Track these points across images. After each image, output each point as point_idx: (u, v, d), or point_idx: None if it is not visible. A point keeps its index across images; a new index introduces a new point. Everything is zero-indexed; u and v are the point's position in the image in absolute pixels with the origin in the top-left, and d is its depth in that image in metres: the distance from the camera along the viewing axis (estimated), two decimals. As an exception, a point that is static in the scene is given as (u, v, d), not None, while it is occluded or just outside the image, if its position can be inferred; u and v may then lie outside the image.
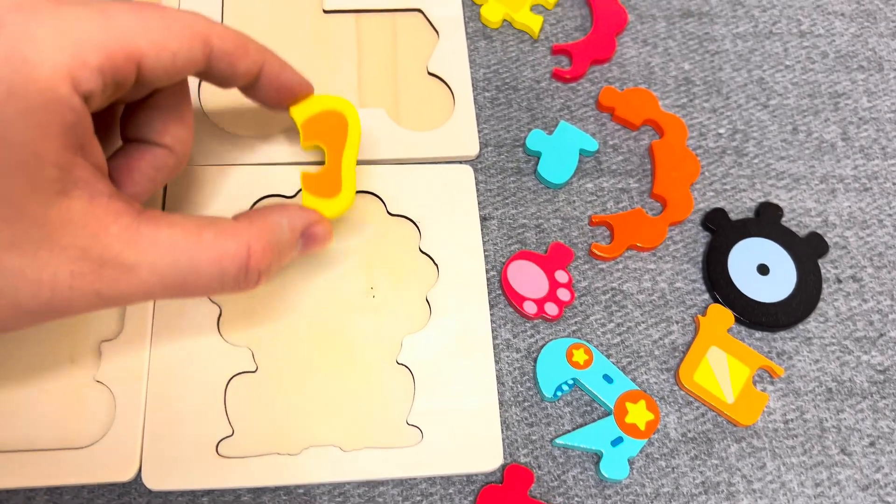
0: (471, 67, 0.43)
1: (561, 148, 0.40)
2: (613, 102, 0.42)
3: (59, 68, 0.21)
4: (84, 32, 0.22)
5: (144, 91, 0.26)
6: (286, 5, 0.43)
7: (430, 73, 0.42)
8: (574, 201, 0.40)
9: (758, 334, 0.37)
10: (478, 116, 0.41)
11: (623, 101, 0.42)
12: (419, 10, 0.44)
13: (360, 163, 0.39)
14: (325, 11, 0.43)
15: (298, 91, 0.31)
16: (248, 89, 0.29)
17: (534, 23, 0.44)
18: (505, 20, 0.44)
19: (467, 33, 0.43)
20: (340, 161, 0.33)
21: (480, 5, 0.44)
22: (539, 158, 0.40)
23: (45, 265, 0.21)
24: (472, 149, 0.40)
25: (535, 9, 0.45)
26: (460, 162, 0.40)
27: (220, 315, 0.35)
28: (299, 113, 0.33)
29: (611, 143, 0.42)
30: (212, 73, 0.27)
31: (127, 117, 0.28)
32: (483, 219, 0.39)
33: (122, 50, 0.23)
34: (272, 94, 0.30)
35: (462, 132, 0.40)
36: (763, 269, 0.38)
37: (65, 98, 0.21)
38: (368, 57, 0.42)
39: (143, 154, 0.27)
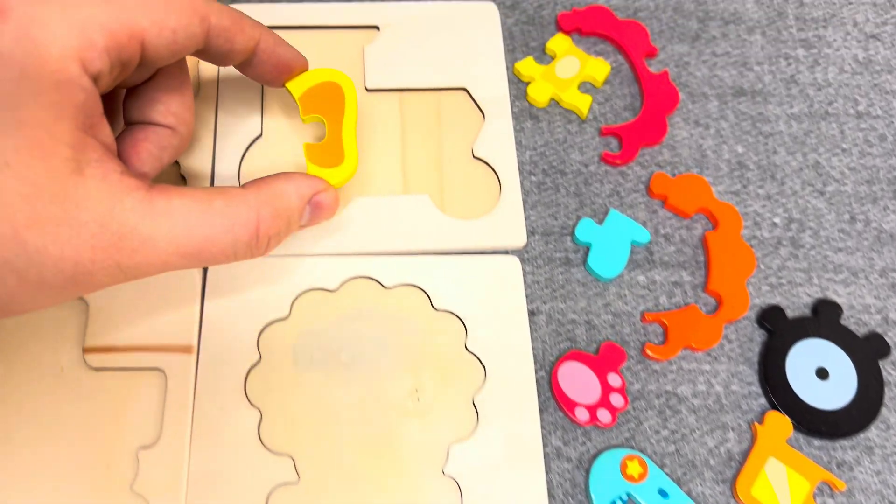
0: (517, 149, 0.41)
1: (612, 239, 0.39)
2: (665, 190, 0.40)
3: (69, 50, 0.22)
4: (89, 14, 0.23)
5: (147, 72, 0.28)
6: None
7: (475, 157, 0.41)
8: (625, 295, 0.38)
9: (816, 442, 0.36)
10: (524, 202, 0.40)
11: (675, 188, 0.40)
12: (464, 90, 0.42)
13: (403, 253, 0.38)
14: (368, 90, 0.42)
15: (294, 66, 0.32)
16: (245, 66, 0.30)
17: (582, 103, 0.42)
18: (552, 99, 0.43)
19: (513, 113, 0.42)
20: (341, 131, 0.34)
21: (527, 84, 0.43)
22: (589, 249, 0.39)
23: (66, 241, 0.22)
24: (520, 239, 0.39)
25: (583, 86, 0.43)
26: (507, 252, 0.39)
27: (260, 420, 0.34)
28: (296, 87, 0.34)
29: (662, 231, 0.40)
30: (210, 50, 0.28)
31: (129, 100, 0.29)
32: (531, 313, 0.37)
33: (126, 29, 0.24)
34: (269, 70, 0.31)
35: (509, 221, 0.39)
36: (822, 373, 0.37)
37: (75, 79, 0.22)
38: (412, 137, 0.41)
39: (147, 135, 0.28)
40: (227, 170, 0.39)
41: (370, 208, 0.39)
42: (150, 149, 0.28)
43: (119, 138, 0.28)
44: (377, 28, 0.43)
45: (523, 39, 0.44)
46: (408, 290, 0.38)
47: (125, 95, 0.30)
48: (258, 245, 0.27)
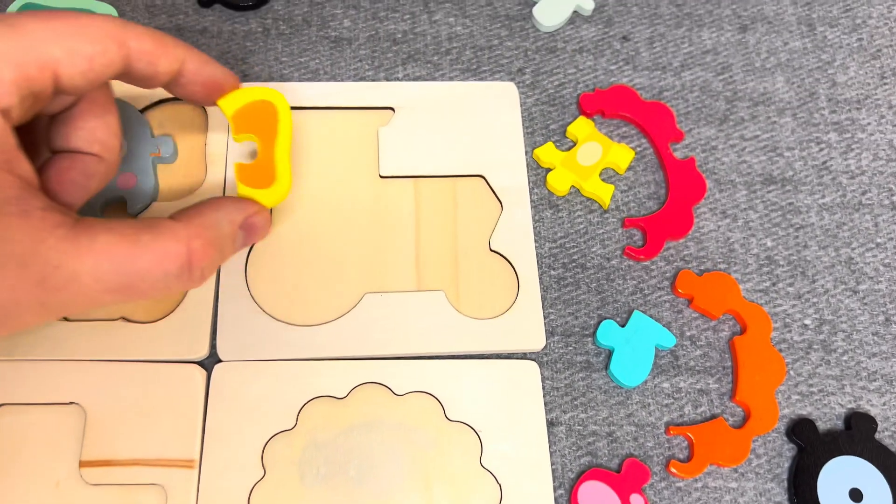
0: (536, 241, 0.39)
1: (635, 343, 0.37)
2: (691, 290, 0.38)
3: None
4: None
5: (67, 100, 0.27)
6: (342, 169, 0.41)
7: (492, 250, 0.39)
8: (649, 404, 0.36)
9: (850, 569, 0.34)
10: (543, 298, 0.38)
11: (702, 288, 0.38)
12: (481, 177, 0.40)
13: (415, 357, 0.37)
14: (382, 177, 0.40)
15: (224, 84, 0.32)
16: (173, 86, 0.30)
17: (604, 192, 0.40)
18: (573, 187, 0.41)
19: (532, 201, 0.40)
20: (273, 150, 0.34)
21: (548, 170, 0.41)
22: (611, 354, 0.37)
23: None
24: (538, 342, 0.37)
25: (605, 172, 0.41)
26: (524, 355, 0.37)
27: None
28: (228, 105, 0.33)
29: (688, 333, 0.38)
30: (132, 75, 0.27)
31: (53, 127, 0.28)
32: (550, 424, 0.36)
33: (35, 61, 0.23)
34: (198, 90, 0.30)
35: (527, 322, 0.37)
36: (856, 495, 0.35)
37: None
38: (427, 227, 0.39)
39: (72, 163, 0.28)
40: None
41: (382, 306, 0.37)
42: (75, 178, 0.28)
43: (43, 167, 0.27)
44: (392, 109, 0.41)
45: (543, 121, 0.42)
46: (420, 398, 0.36)
47: (49, 122, 0.29)
48: (191, 276, 0.27)
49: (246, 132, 0.34)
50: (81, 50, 0.25)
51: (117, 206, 0.38)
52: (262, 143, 0.34)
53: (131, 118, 0.40)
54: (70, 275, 0.23)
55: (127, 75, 0.28)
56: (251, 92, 0.34)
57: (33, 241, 0.23)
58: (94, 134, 0.28)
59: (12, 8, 0.42)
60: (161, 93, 0.40)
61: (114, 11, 0.42)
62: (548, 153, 0.41)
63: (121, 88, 0.39)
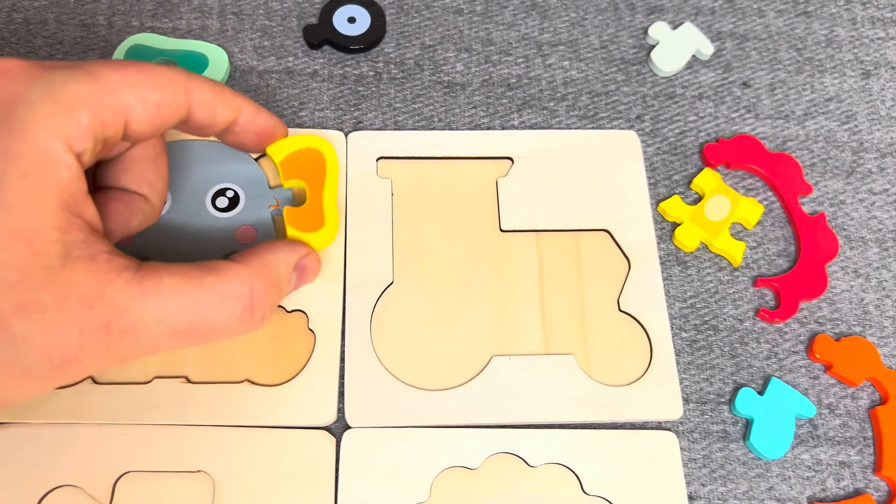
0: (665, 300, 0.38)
1: (775, 413, 0.35)
2: (829, 356, 0.37)
3: (54, 130, 0.22)
4: (74, 93, 0.23)
5: (126, 145, 0.28)
6: (462, 222, 0.39)
7: (621, 311, 0.37)
8: (790, 477, 0.35)
9: None
10: (676, 363, 0.36)
11: (840, 354, 0.37)
12: (606, 231, 0.39)
13: (548, 426, 0.36)
14: (503, 231, 0.39)
15: (275, 133, 0.32)
16: (226, 135, 0.30)
17: (736, 250, 0.39)
18: (701, 242, 0.39)
19: (658, 257, 0.38)
20: (322, 195, 0.35)
21: (673, 225, 0.39)
22: (748, 423, 0.35)
23: (53, 328, 0.22)
24: (676, 411, 0.35)
25: (732, 227, 0.40)
26: (659, 424, 0.35)
27: None
28: (277, 152, 0.35)
29: (826, 401, 0.37)
30: (192, 122, 0.28)
31: (103, 165, 0.28)
32: (689, 498, 0.34)
33: (110, 107, 0.24)
34: (250, 138, 0.31)
35: (663, 389, 0.36)
36: None
37: (60, 158, 0.22)
38: (551, 284, 0.38)
39: (119, 198, 0.28)
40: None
41: (510, 370, 0.36)
42: (120, 209, 0.28)
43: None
44: (510, 159, 0.40)
45: (665, 171, 0.41)
46: (555, 470, 0.34)
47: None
48: (253, 318, 0.27)
49: (294, 178, 0.35)
50: (151, 98, 0.25)
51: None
52: (311, 189, 0.35)
53: (247, 168, 0.38)
54: (136, 317, 0.23)
55: (186, 123, 0.28)
56: (299, 140, 0.36)
57: (100, 284, 0.23)
58: (143, 176, 0.29)
59: (120, 48, 0.41)
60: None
61: (224, 55, 0.41)
62: (675, 207, 0.40)
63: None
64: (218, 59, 0.41)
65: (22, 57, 0.40)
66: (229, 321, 0.26)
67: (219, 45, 0.42)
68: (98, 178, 0.29)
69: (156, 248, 0.36)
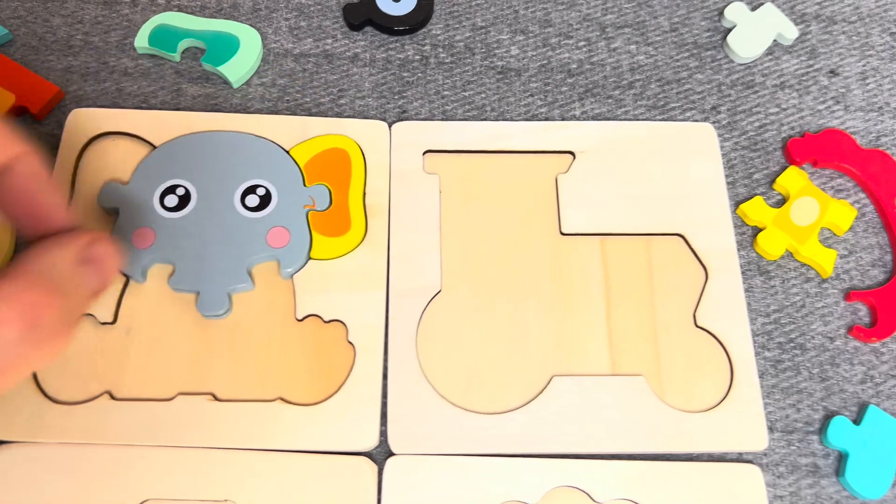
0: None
1: (873, 445, 0.31)
2: (937, 381, 0.32)
3: None
4: None
5: None
6: (518, 224, 0.35)
7: (698, 326, 0.33)
8: (890, 520, 0.30)
9: None
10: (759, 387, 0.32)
11: (949, 379, 0.32)
12: (680, 236, 0.34)
13: (615, 456, 0.32)
14: (563, 234, 0.34)
15: (50, 218, 0.25)
16: None
17: (826, 259, 0.34)
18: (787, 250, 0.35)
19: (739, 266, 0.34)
20: (347, 197, 0.34)
21: (756, 229, 0.35)
22: (842, 457, 0.31)
23: None
24: (760, 441, 0.31)
25: (821, 233, 0.35)
26: (740, 455, 0.31)
27: None
28: (301, 154, 0.34)
29: (931, 433, 0.32)
30: None
31: None
32: (775, 541, 0.30)
33: None
34: (14, 203, 0.25)
35: (745, 416, 0.32)
36: None
37: None
38: (619, 295, 0.33)
39: None
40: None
41: (573, 393, 0.32)
42: None
43: None
44: (572, 154, 0.36)
45: (745, 169, 0.36)
46: (622, 506, 0.30)
47: None
48: (42, 340, 0.22)
49: (319, 180, 0.34)
50: None
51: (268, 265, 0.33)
52: (336, 191, 0.34)
53: (281, 163, 0.34)
54: None
55: None
56: (323, 140, 0.35)
57: None
58: None
59: (144, 28, 0.38)
60: (310, 131, 0.36)
61: (257, 36, 0.37)
62: (756, 209, 0.35)
63: (265, 129, 0.34)
64: (250, 41, 0.37)
65: (39, 37, 0.37)
66: (13, 351, 0.21)
67: (251, 25, 0.38)
68: None
69: (178, 253, 0.33)
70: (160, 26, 0.38)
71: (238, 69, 0.37)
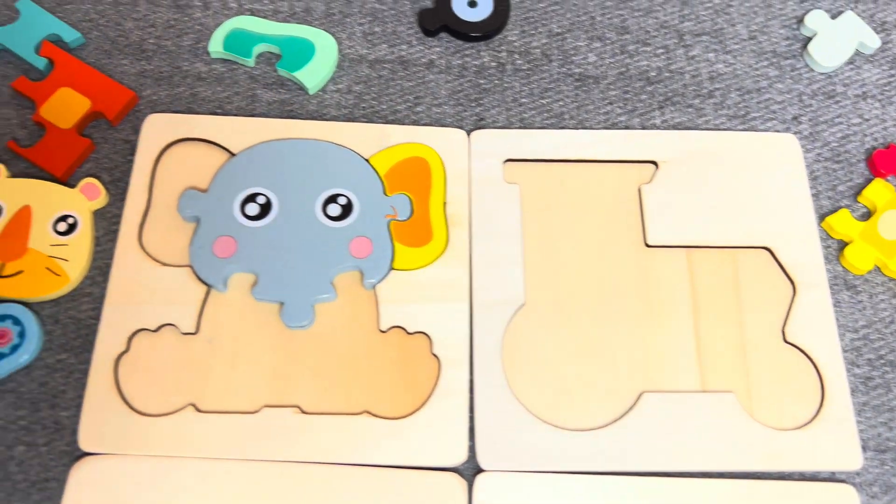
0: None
1: (971, 467, 0.30)
2: None
3: None
4: None
5: None
6: (601, 234, 0.35)
7: (787, 342, 0.32)
8: None
9: None
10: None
11: None
12: (766, 249, 0.34)
13: (706, 474, 0.31)
14: (648, 246, 0.34)
15: None
16: None
17: (915, 274, 0.33)
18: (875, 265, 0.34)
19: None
20: (428, 207, 0.33)
21: (841, 243, 0.34)
22: (940, 478, 0.30)
23: None
24: (854, 460, 0.30)
25: (908, 248, 0.34)
26: (833, 474, 0.30)
27: None
28: (381, 163, 0.33)
29: None
30: None
31: None
32: (872, 564, 0.29)
33: None
34: None
35: (838, 434, 0.31)
36: None
37: None
38: (706, 309, 0.33)
39: None
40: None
41: (663, 410, 0.31)
42: None
43: None
44: (654, 164, 0.35)
45: (828, 181, 0.36)
46: (718, 527, 0.29)
47: None
48: None
49: (399, 190, 0.34)
50: None
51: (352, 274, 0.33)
52: (417, 201, 0.33)
53: (361, 172, 0.34)
54: None
55: None
56: (402, 149, 0.34)
57: None
58: None
59: (219, 32, 0.37)
60: (389, 138, 0.36)
61: (333, 42, 0.37)
62: (843, 223, 0.35)
63: (343, 136, 0.33)
64: (326, 47, 0.37)
65: (112, 41, 0.36)
66: None
67: (324, 29, 0.38)
68: None
69: (261, 263, 0.32)
70: (234, 30, 0.37)
71: (314, 75, 0.36)
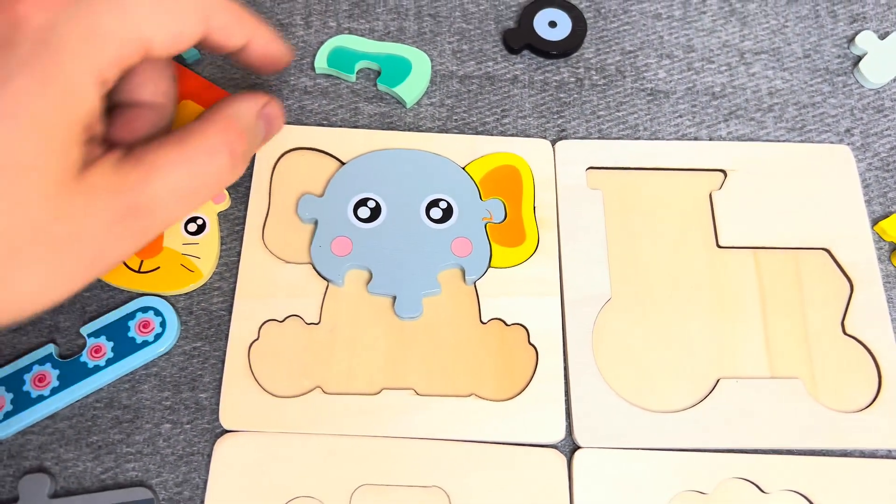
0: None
1: None
2: None
3: (83, 60, 0.24)
4: (104, 25, 0.24)
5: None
6: (677, 235, 0.39)
7: (846, 334, 0.36)
8: None
9: None
10: (901, 389, 0.35)
11: None
12: (826, 250, 0.38)
13: (778, 451, 0.35)
14: (720, 247, 0.38)
15: (279, 61, 0.32)
16: (234, 55, 0.31)
17: (961, 273, 0.37)
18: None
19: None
20: (521, 210, 0.37)
21: (892, 245, 0.38)
22: None
23: (88, 227, 0.24)
24: (909, 439, 0.34)
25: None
26: (890, 453, 0.34)
27: None
28: (476, 170, 0.38)
29: None
30: (206, 44, 0.29)
31: (124, 81, 0.29)
32: (927, 531, 0.33)
33: (135, 40, 0.25)
34: (256, 61, 0.31)
35: (894, 416, 0.34)
36: None
37: (86, 88, 0.24)
38: (773, 304, 0.37)
39: (141, 113, 0.30)
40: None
41: (737, 394, 0.35)
42: (140, 122, 0.29)
43: (112, 113, 0.29)
44: (723, 172, 0.39)
45: (879, 189, 0.39)
46: (790, 498, 0.34)
47: None
48: (235, 167, 0.28)
49: (493, 195, 0.38)
50: (173, 28, 0.26)
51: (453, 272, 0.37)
52: (510, 205, 0.37)
53: (458, 179, 0.38)
54: (153, 195, 0.25)
55: (200, 44, 0.29)
56: (495, 158, 0.38)
57: (118, 184, 0.25)
58: (158, 87, 0.30)
59: (323, 50, 0.41)
60: (480, 148, 0.39)
61: (427, 60, 0.40)
62: (894, 226, 0.38)
63: (439, 146, 0.37)
64: (421, 64, 0.41)
65: (223, 57, 0.40)
66: (220, 173, 0.28)
67: (417, 47, 0.41)
68: (118, 92, 0.29)
69: (374, 260, 0.36)
70: (337, 48, 0.41)
71: (412, 90, 0.40)
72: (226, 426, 0.33)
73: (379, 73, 0.41)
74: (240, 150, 0.29)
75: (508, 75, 0.42)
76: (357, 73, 0.41)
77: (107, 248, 0.25)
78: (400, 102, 0.40)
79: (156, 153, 0.26)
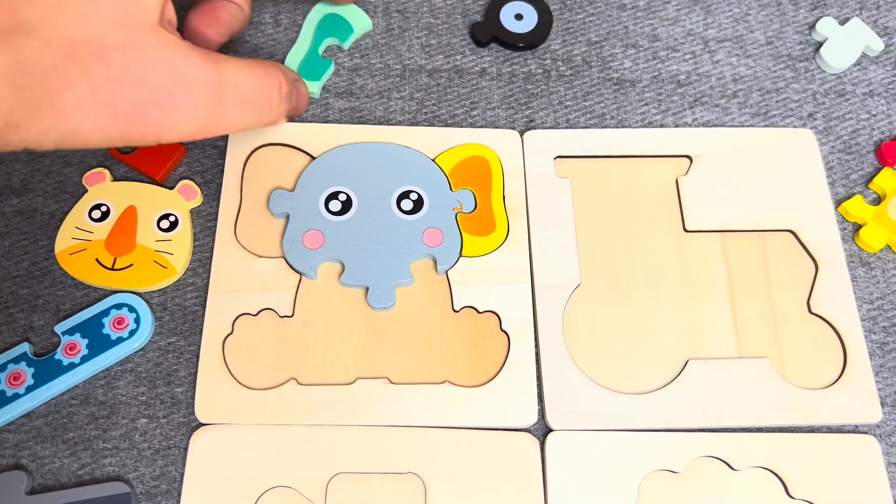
0: (851, 302, 0.37)
1: (976, 417, 0.35)
2: None
3: None
4: None
5: None
6: (645, 221, 0.39)
7: (812, 313, 0.37)
8: None
9: None
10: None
11: None
12: (791, 231, 0.38)
13: (747, 429, 0.36)
14: (687, 231, 0.38)
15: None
16: None
17: (922, 251, 0.38)
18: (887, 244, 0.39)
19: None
20: (490, 200, 0.38)
21: (855, 225, 0.39)
22: (949, 427, 0.35)
23: (150, 68, 0.26)
24: (874, 414, 0.35)
25: (915, 228, 0.39)
26: (856, 427, 0.35)
27: None
28: (445, 162, 0.38)
29: None
30: None
31: None
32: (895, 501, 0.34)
33: None
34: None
35: (860, 392, 0.36)
36: None
37: None
38: (740, 286, 0.37)
39: (221, 4, 0.34)
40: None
41: (706, 375, 0.35)
42: (225, 17, 0.34)
43: (195, 10, 0.34)
44: (689, 158, 0.40)
45: (842, 171, 0.40)
46: (759, 474, 0.34)
47: None
48: (280, 102, 0.33)
49: (463, 185, 0.38)
50: None
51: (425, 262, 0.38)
52: (480, 195, 0.38)
53: (428, 170, 0.38)
54: (219, 79, 0.29)
55: None
56: (464, 149, 0.39)
57: (184, 50, 0.28)
58: None
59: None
60: (450, 140, 0.40)
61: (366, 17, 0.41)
62: (857, 207, 0.39)
63: (409, 139, 0.38)
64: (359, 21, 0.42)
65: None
66: (271, 97, 0.32)
67: (385, 42, 0.42)
68: None
69: (346, 252, 0.37)
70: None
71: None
72: (202, 419, 0.34)
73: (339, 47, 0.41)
74: (284, 91, 0.33)
75: (476, 68, 0.42)
76: (323, 51, 0.41)
77: (164, 98, 0.27)
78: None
79: (224, 57, 0.29)
